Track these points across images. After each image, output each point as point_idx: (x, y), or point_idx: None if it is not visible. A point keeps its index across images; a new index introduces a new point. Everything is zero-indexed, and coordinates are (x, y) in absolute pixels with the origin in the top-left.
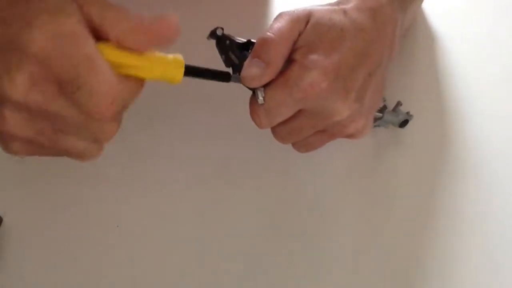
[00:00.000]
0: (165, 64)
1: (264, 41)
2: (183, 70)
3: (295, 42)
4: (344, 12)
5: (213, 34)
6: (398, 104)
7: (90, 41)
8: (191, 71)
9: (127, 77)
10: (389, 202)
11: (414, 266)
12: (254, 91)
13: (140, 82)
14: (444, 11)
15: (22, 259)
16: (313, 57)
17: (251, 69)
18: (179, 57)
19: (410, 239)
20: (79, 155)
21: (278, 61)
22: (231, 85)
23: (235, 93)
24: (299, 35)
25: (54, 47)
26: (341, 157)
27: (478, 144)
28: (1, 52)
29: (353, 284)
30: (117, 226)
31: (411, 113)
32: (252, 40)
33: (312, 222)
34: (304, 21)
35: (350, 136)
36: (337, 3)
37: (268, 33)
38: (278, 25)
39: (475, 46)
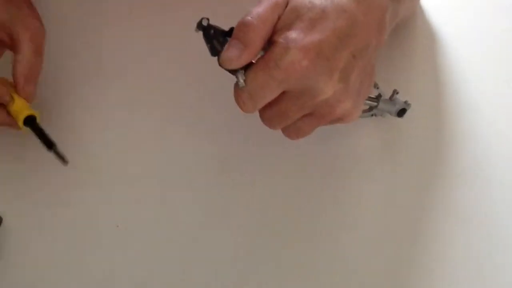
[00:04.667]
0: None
1: (243, 23)
2: (22, 122)
3: (275, 25)
4: None
5: (199, 26)
6: (395, 92)
7: None
8: (30, 125)
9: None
10: (388, 198)
11: (413, 263)
12: (235, 75)
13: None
14: (443, 7)
15: (22, 259)
16: (292, 36)
17: (229, 50)
18: (31, 112)
19: (410, 229)
20: None
21: (256, 43)
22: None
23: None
24: (279, 18)
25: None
26: (340, 148)
27: (477, 138)
28: None
29: (354, 280)
30: (117, 226)
31: (409, 102)
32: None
33: (309, 219)
34: (283, 4)
35: (339, 119)
36: None
37: (247, 17)
38: (257, 9)
39: (475, 41)
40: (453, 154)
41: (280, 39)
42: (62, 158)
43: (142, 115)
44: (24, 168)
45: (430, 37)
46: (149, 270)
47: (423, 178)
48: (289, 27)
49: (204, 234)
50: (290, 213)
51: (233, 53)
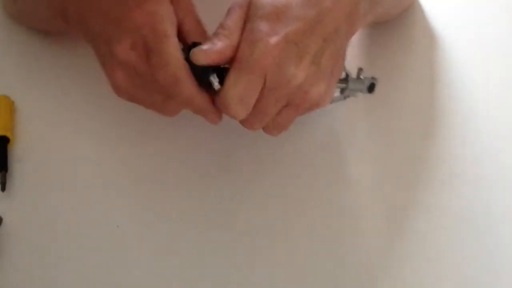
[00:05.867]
0: None
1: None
2: None
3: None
4: None
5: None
6: (360, 70)
7: (168, 21)
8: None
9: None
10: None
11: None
12: (209, 79)
13: None
14: (443, 8)
15: (22, 259)
16: (258, 29)
17: (202, 46)
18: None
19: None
20: (159, 108)
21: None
22: None
23: None
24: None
25: (144, 24)
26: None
27: (475, 140)
28: (115, 24)
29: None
30: (117, 226)
31: (376, 77)
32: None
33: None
34: (246, 4)
35: (314, 104)
36: None
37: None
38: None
39: (474, 44)
40: (447, 153)
41: (248, 35)
42: (3, 184)
43: (143, 115)
44: (23, 167)
45: (428, 34)
46: (149, 270)
47: (417, 177)
48: (254, 22)
49: (205, 234)
50: (285, 212)
51: (205, 47)
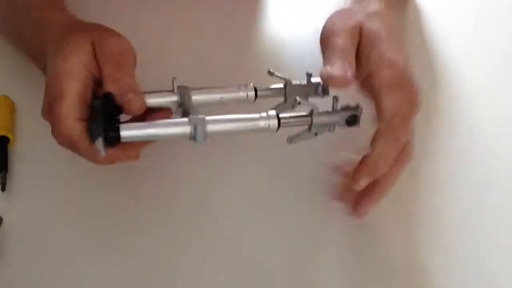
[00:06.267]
0: None
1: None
2: None
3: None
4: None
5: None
6: (334, 100)
7: (74, 81)
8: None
9: None
10: None
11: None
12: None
13: None
14: (437, 7)
15: (22, 259)
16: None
17: (340, 69)
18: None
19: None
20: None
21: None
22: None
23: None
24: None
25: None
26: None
27: (465, 117)
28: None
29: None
30: (117, 226)
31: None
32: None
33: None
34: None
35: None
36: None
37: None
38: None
39: (461, 22)
40: (441, 152)
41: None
42: (3, 184)
43: None
44: (23, 168)
45: (422, 32)
46: (149, 270)
47: (411, 176)
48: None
49: (205, 234)
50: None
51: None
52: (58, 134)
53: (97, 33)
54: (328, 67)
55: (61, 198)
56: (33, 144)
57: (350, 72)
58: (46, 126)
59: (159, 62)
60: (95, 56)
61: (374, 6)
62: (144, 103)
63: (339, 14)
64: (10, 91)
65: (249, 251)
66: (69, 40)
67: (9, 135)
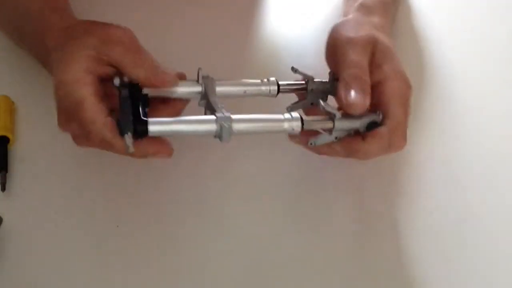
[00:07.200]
0: None
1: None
2: None
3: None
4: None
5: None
6: None
7: (86, 86)
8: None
9: None
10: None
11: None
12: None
13: None
14: (431, 8)
15: (22, 259)
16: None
17: (357, 95)
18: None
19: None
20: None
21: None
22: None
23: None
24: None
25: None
26: None
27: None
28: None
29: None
30: (117, 226)
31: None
32: None
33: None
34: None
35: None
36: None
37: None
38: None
39: (452, 21)
40: (435, 151)
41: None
42: (3, 184)
43: None
44: (23, 168)
45: (416, 33)
46: (149, 270)
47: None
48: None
49: (205, 234)
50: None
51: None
52: (88, 140)
53: (97, 33)
54: (347, 96)
55: (61, 198)
56: (33, 144)
57: (368, 99)
58: (46, 126)
59: (158, 61)
60: (99, 57)
61: (377, 20)
62: (175, 75)
63: (348, 23)
64: (10, 91)
65: (249, 250)
66: (68, 48)
67: (9, 135)
